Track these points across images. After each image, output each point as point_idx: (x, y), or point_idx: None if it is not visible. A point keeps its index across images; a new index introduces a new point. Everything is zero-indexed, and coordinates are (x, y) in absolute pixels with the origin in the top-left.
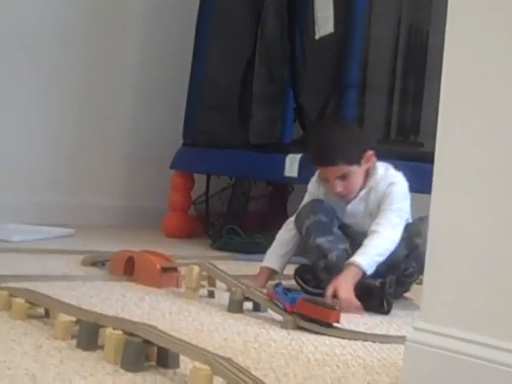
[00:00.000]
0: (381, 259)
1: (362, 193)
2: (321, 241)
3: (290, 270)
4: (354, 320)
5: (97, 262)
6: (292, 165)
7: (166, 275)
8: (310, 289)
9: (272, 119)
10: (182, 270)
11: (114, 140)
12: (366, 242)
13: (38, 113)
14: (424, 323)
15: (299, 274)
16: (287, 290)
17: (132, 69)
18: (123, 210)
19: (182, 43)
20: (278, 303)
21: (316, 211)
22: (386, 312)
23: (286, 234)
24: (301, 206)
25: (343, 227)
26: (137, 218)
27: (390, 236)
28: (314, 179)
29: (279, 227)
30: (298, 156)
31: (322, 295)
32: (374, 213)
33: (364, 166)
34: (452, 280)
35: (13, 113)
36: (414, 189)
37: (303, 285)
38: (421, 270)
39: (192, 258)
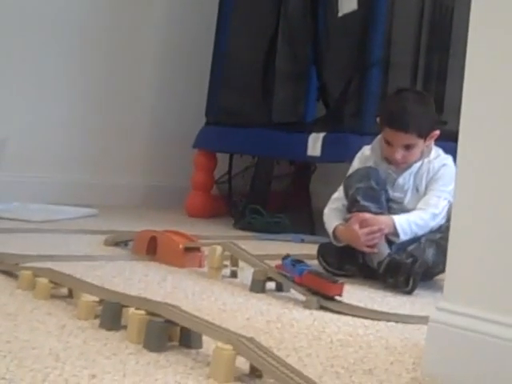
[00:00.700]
0: (418, 232)
1: (415, 167)
2: (368, 204)
3: (312, 249)
4: (378, 300)
5: (119, 241)
6: (315, 144)
7: (188, 255)
8: (333, 270)
9: (295, 97)
10: (205, 250)
11: (136, 120)
12: (411, 212)
13: (61, 94)
14: (447, 303)
15: (322, 255)
16: (295, 261)
17: (155, 47)
18: (146, 190)
19: (204, 21)
20: (286, 275)
21: (370, 177)
22: (410, 291)
23: (334, 208)
24: (350, 171)
25: (388, 202)
26: (159, 197)
27: (435, 215)
28: (360, 154)
29: (302, 207)
30: (321, 135)
31: (344, 277)
32: (420, 188)
33: (427, 142)
34: (475, 260)
35: (36, 94)
36: None
37: (326, 266)
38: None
39: (215, 237)
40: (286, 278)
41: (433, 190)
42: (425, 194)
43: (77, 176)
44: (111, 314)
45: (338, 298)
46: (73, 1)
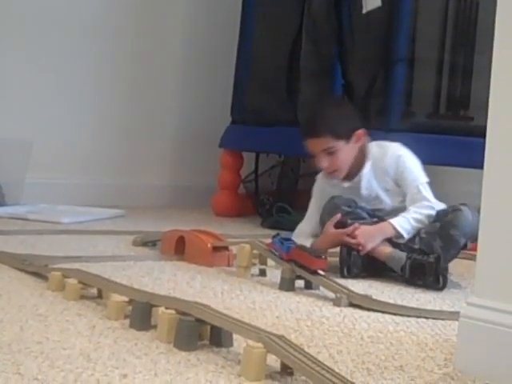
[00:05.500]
0: (419, 225)
1: (365, 172)
2: (353, 222)
3: None
4: (407, 296)
5: (147, 242)
6: None
7: (217, 254)
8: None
9: (320, 95)
10: (233, 249)
11: (162, 120)
12: (406, 211)
13: (87, 96)
14: (477, 298)
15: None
16: (284, 239)
17: (179, 46)
18: (173, 190)
19: (229, 20)
20: (275, 253)
21: (338, 205)
22: (442, 287)
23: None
24: (309, 208)
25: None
26: (186, 197)
27: (431, 207)
28: (316, 184)
29: None
30: None
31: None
32: (388, 187)
33: (354, 144)
34: (505, 254)
35: (62, 97)
36: (463, 163)
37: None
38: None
39: (243, 236)
40: (275, 255)
41: (408, 186)
42: (401, 191)
43: (103, 177)
44: (141, 313)
45: (321, 272)
46: (100, 11)
